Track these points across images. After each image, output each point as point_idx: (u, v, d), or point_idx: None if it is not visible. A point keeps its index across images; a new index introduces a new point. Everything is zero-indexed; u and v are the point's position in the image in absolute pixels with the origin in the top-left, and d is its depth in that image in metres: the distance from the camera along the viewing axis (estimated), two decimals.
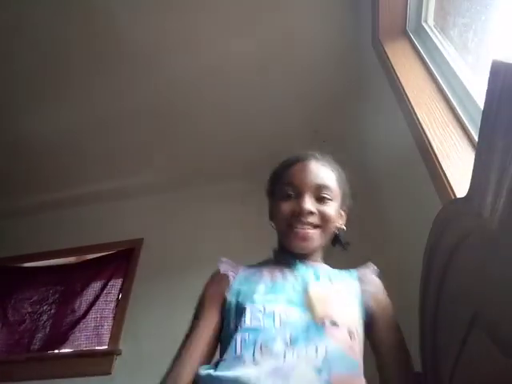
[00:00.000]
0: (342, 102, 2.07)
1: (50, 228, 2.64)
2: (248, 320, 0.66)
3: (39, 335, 2.18)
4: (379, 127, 1.80)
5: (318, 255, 0.87)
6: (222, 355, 0.67)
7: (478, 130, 0.42)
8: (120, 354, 1.96)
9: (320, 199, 0.82)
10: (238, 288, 0.75)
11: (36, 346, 2.14)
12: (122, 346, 1.98)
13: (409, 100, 1.13)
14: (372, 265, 0.86)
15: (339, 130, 2.16)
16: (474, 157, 0.43)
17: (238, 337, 0.64)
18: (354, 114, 2.09)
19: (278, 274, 0.78)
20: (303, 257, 0.83)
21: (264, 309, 0.68)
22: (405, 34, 1.44)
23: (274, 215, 0.88)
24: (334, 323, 0.66)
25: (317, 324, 0.66)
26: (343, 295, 0.76)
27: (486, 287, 0.43)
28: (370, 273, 0.84)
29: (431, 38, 1.27)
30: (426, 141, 0.97)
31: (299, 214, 0.79)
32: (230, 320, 0.71)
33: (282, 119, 2.18)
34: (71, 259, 2.52)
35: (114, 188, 2.63)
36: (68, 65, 1.91)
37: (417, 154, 1.07)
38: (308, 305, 0.69)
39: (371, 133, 1.99)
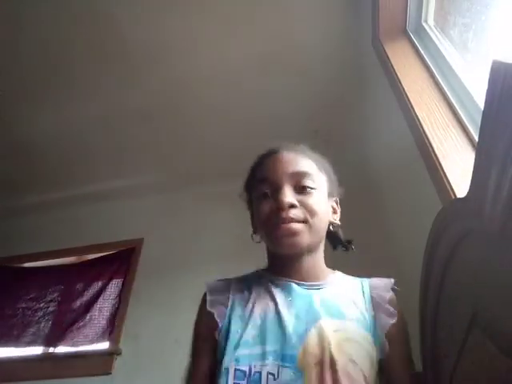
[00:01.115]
0: (341, 102, 2.07)
1: (50, 228, 2.64)
2: None
3: (31, 330, 2.19)
4: (379, 127, 1.80)
5: (319, 265, 0.74)
6: None
7: (478, 130, 0.42)
8: (120, 353, 1.96)
9: (301, 189, 0.70)
10: (227, 328, 0.65)
11: (27, 340, 2.16)
12: (122, 345, 1.99)
13: (409, 100, 1.12)
14: (387, 279, 0.73)
15: (339, 130, 2.16)
16: (474, 157, 0.43)
17: None
18: (354, 114, 2.09)
19: (269, 307, 0.66)
20: (301, 276, 0.70)
21: (250, 370, 0.57)
22: (405, 33, 1.44)
23: (256, 224, 0.77)
24: None
25: None
26: (354, 344, 0.61)
27: (486, 287, 0.43)
28: (386, 289, 0.71)
29: (431, 38, 1.27)
30: (426, 141, 0.97)
31: (279, 210, 0.68)
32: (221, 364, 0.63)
33: (282, 119, 2.18)
34: (71, 259, 2.52)
35: (114, 188, 2.63)
36: (70, 64, 1.91)
37: (417, 154, 1.07)
38: (302, 367, 0.56)
39: (371, 133, 1.99)
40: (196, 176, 2.47)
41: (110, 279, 2.30)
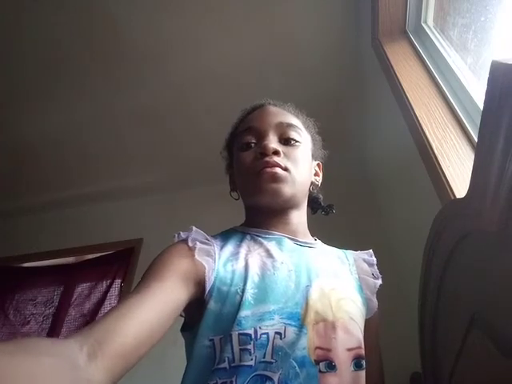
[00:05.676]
0: (342, 102, 2.07)
1: (50, 228, 2.64)
2: (236, 355, 0.50)
3: (31, 330, 2.18)
4: (379, 127, 1.80)
5: (305, 226, 0.72)
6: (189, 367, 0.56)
7: (478, 131, 0.43)
8: None
9: (286, 141, 0.69)
10: (218, 288, 0.55)
11: None
12: None
13: (408, 100, 1.13)
14: (366, 251, 0.75)
15: (339, 130, 2.16)
16: (473, 157, 0.43)
17: (218, 380, 0.49)
18: (354, 114, 2.09)
19: (266, 264, 0.59)
20: (291, 231, 0.66)
21: (255, 333, 0.51)
22: (404, 34, 1.44)
23: (235, 179, 0.75)
24: (331, 367, 0.51)
25: (311, 363, 0.50)
26: (350, 303, 0.60)
27: (485, 287, 0.43)
28: (367, 255, 0.74)
29: (431, 39, 1.27)
30: (426, 141, 0.97)
31: (262, 155, 0.65)
32: (208, 326, 0.54)
33: None
34: (71, 259, 2.51)
35: (114, 188, 2.63)
36: (69, 65, 1.91)
37: (416, 154, 1.07)
38: (305, 325, 0.53)
39: (371, 133, 1.99)
40: (196, 176, 2.47)
41: (110, 279, 2.30)
